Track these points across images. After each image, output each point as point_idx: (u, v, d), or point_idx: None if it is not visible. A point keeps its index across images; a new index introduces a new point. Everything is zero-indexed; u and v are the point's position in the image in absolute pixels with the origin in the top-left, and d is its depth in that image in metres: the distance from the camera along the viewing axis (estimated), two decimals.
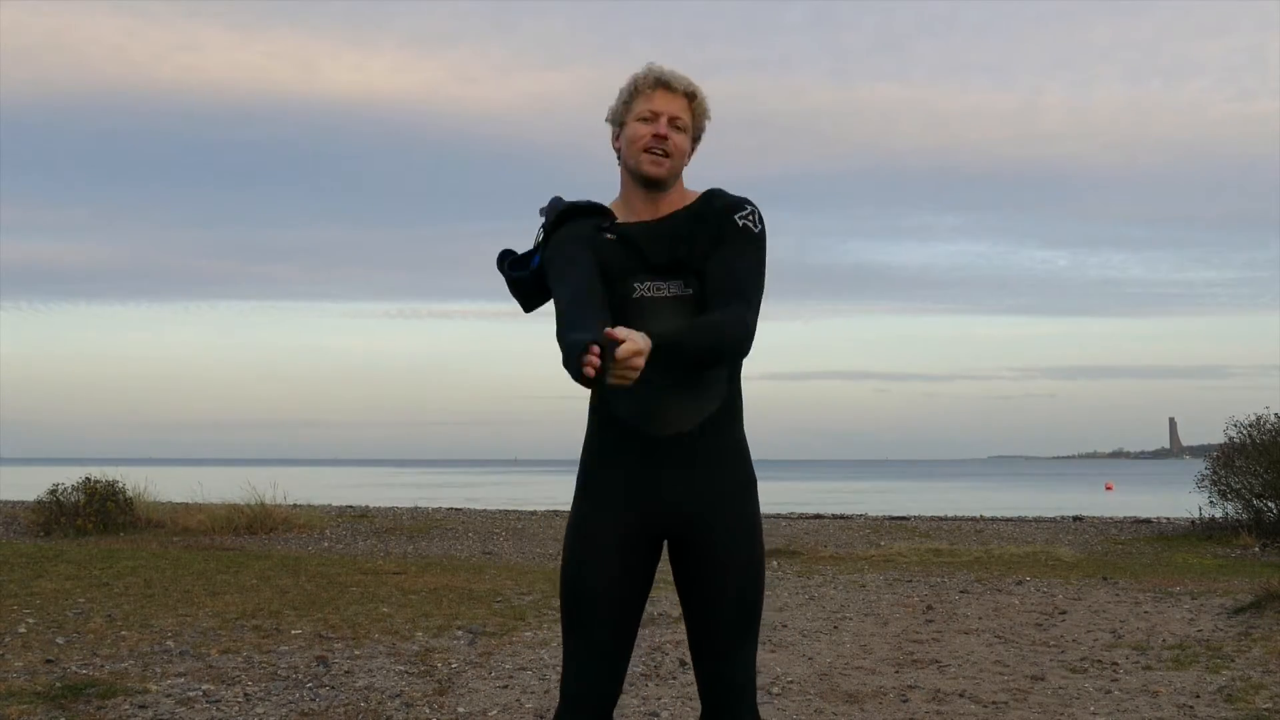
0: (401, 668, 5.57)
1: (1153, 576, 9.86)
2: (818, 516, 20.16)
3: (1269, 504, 13.84)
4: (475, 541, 14.11)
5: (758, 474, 2.51)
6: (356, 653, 5.93)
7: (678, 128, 2.43)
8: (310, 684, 5.19)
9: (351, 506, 20.98)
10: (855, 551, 12.83)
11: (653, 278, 2.41)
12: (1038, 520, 19.09)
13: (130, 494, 15.61)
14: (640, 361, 2.08)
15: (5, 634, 6.15)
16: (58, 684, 4.96)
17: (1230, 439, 14.68)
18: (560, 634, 2.46)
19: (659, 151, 2.41)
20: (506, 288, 2.56)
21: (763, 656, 6.02)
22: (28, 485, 22.11)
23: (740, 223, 2.41)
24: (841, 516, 20.15)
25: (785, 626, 7.07)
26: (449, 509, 21.26)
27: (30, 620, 6.63)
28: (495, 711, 4.77)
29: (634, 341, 2.05)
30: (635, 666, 5.68)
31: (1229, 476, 14.30)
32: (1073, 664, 5.87)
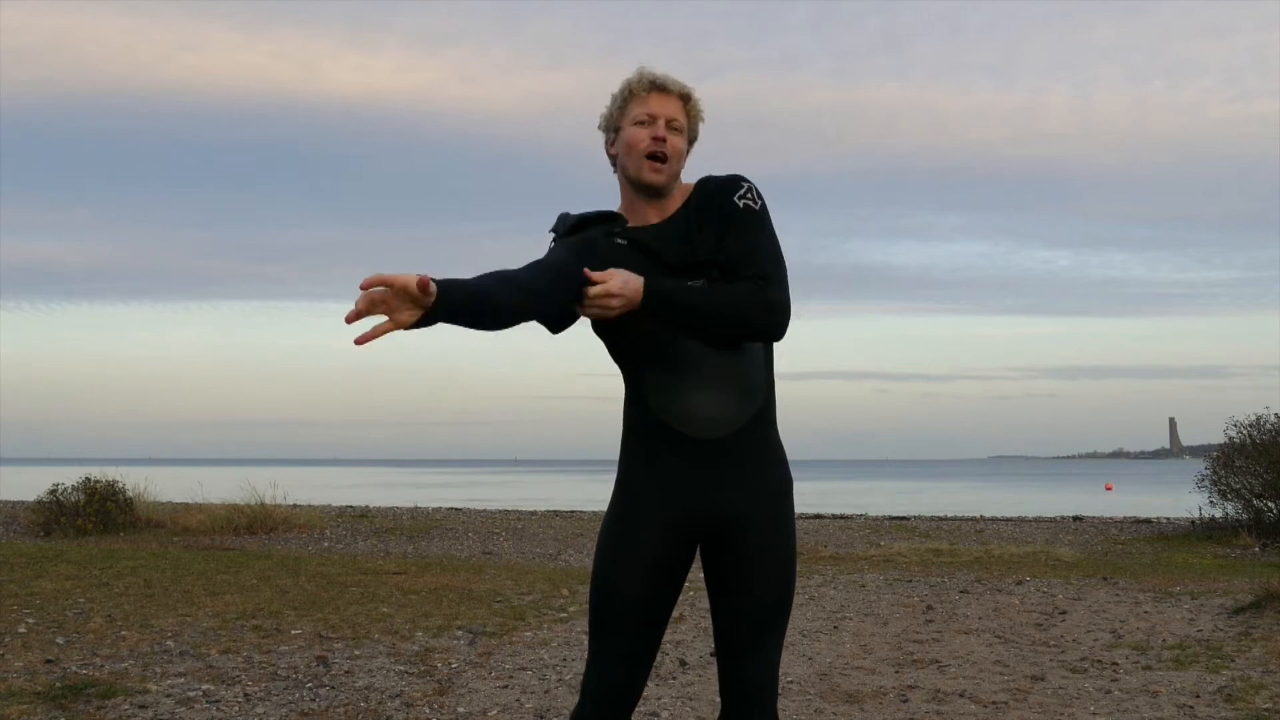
0: (401, 668, 5.57)
1: (1153, 576, 9.86)
2: (818, 516, 20.16)
3: (1269, 504, 13.84)
4: (475, 541, 14.11)
5: None
6: (356, 653, 5.93)
7: (675, 129, 2.41)
8: (310, 684, 5.19)
9: (351, 506, 20.98)
10: (855, 551, 12.83)
11: (671, 279, 2.37)
12: (1038, 520, 19.09)
13: (130, 494, 15.61)
14: (613, 303, 2.23)
15: (5, 634, 6.15)
16: (58, 684, 4.96)
17: (1230, 439, 14.68)
18: (588, 631, 2.45)
19: (659, 157, 2.38)
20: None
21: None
22: (28, 485, 22.12)
23: (740, 204, 2.38)
24: (841, 516, 20.15)
25: None
26: (449, 509, 21.25)
27: (30, 620, 6.63)
28: (495, 711, 4.77)
29: (608, 285, 2.22)
30: None
31: (1229, 476, 14.30)
32: (1073, 664, 5.87)
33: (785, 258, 2.44)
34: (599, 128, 2.51)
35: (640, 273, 2.32)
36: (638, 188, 2.42)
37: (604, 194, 2.59)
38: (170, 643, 6.05)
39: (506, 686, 5.23)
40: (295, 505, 16.99)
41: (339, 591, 8.27)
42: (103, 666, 5.43)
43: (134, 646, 5.94)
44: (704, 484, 2.36)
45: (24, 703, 4.62)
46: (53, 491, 15.03)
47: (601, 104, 2.53)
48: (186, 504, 17.01)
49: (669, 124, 2.40)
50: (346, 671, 5.46)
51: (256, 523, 14.86)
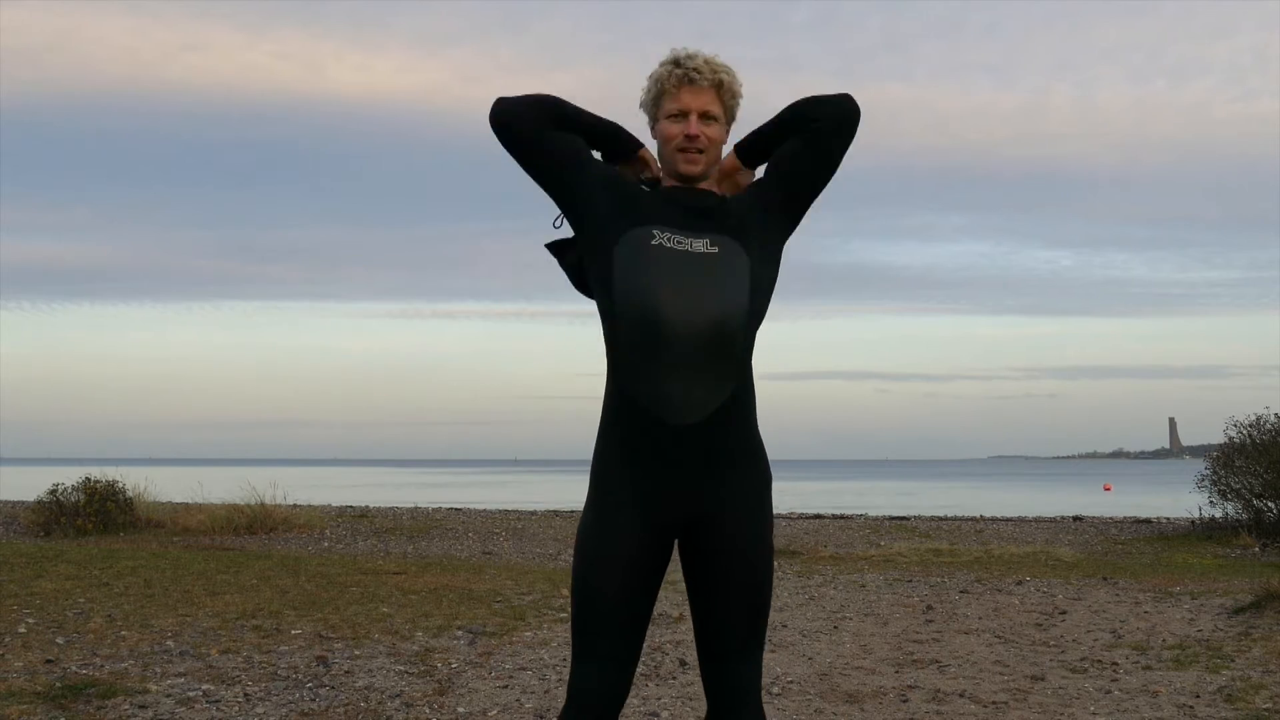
0: (401, 668, 5.57)
1: (1153, 576, 9.85)
2: (818, 516, 20.16)
3: (1269, 504, 13.84)
4: (475, 541, 14.11)
5: None
6: (356, 653, 5.93)
7: (710, 119, 2.41)
8: (310, 684, 5.19)
9: (351, 506, 20.97)
10: (855, 551, 12.83)
11: (675, 229, 2.38)
12: (1038, 520, 19.09)
13: (130, 494, 15.60)
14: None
15: (5, 634, 6.15)
16: (58, 684, 4.96)
17: (1230, 439, 14.69)
18: (570, 632, 2.44)
19: (693, 150, 2.40)
20: (565, 274, 2.58)
21: (763, 656, 6.02)
22: (28, 485, 22.10)
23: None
24: (841, 516, 20.15)
25: (785, 626, 7.07)
26: (449, 509, 21.25)
27: (30, 620, 6.63)
28: (495, 711, 4.77)
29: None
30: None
31: (1229, 476, 14.31)
32: (1073, 664, 5.87)
33: (786, 257, 2.49)
34: (640, 108, 2.52)
35: (648, 214, 2.39)
36: (677, 178, 2.45)
37: None
38: (170, 643, 6.05)
39: (506, 686, 5.23)
40: (295, 505, 16.98)
41: (339, 591, 8.27)
42: (103, 666, 5.43)
43: (134, 646, 5.94)
44: (678, 481, 2.35)
45: (24, 703, 4.62)
46: (53, 491, 15.02)
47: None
48: (186, 504, 17.00)
49: (702, 117, 2.40)
50: (346, 671, 5.46)
51: (256, 523, 14.86)
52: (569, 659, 2.46)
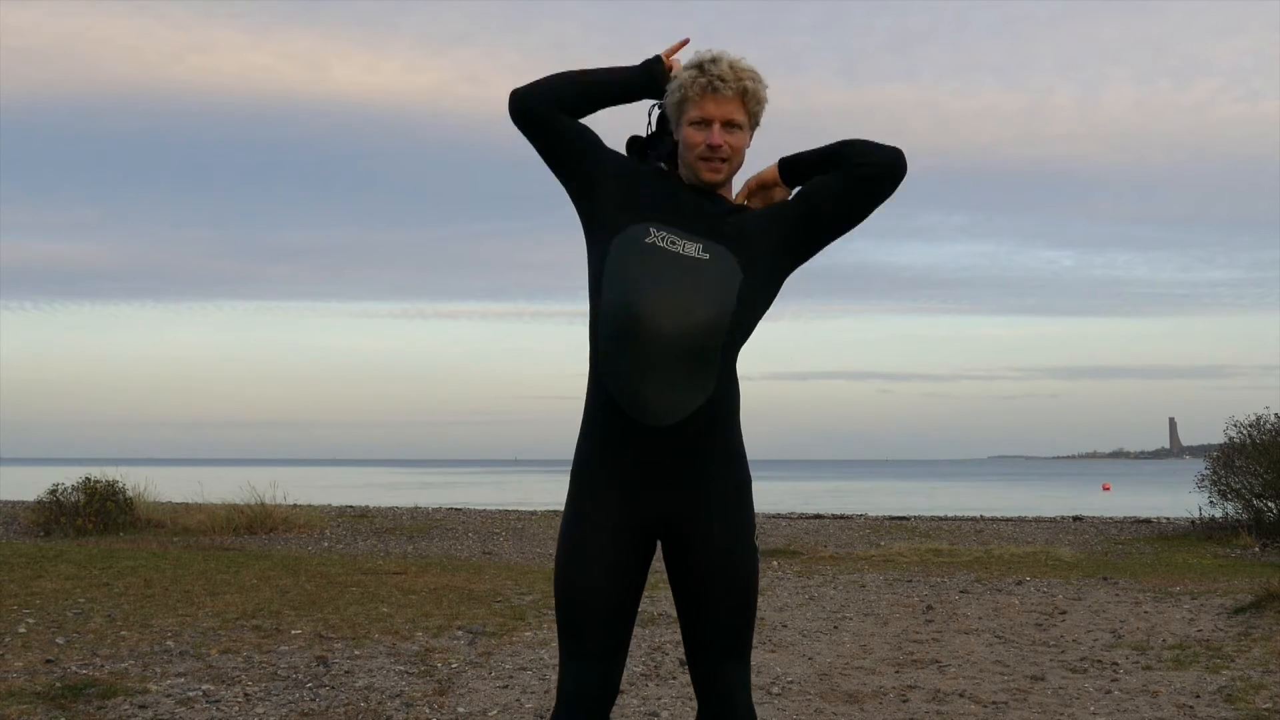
0: (401, 668, 5.57)
1: (1153, 576, 9.85)
2: (818, 516, 20.16)
3: (1269, 504, 13.85)
4: (475, 541, 14.11)
5: (759, 474, 2.50)
6: (356, 653, 5.93)
7: (734, 127, 2.37)
8: (310, 684, 5.18)
9: (351, 506, 20.98)
10: (855, 551, 12.83)
11: (673, 229, 2.35)
12: (1038, 520, 19.09)
13: (130, 494, 15.61)
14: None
15: (5, 634, 6.15)
16: (58, 684, 4.96)
17: (1230, 439, 14.70)
18: (557, 635, 2.44)
19: (716, 160, 2.37)
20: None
21: (763, 656, 6.02)
22: (28, 485, 22.11)
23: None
24: (841, 516, 20.15)
25: (785, 626, 7.07)
26: (449, 509, 21.26)
27: (30, 620, 6.63)
28: (495, 711, 4.77)
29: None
30: (635, 666, 5.68)
31: (1229, 476, 14.31)
32: (1073, 664, 5.87)
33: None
34: (665, 103, 2.49)
35: (649, 208, 2.38)
36: (698, 183, 2.43)
37: None
38: (170, 643, 6.05)
39: (506, 686, 5.23)
40: (295, 505, 16.97)
41: (339, 591, 8.27)
42: (103, 666, 5.43)
43: (134, 646, 5.94)
44: (656, 482, 2.35)
45: (24, 703, 4.62)
46: (53, 491, 15.03)
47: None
48: (186, 504, 17.01)
49: (725, 126, 2.36)
50: (346, 671, 5.46)
51: (256, 523, 14.86)
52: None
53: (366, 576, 9.24)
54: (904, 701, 5.01)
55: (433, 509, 21.01)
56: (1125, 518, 19.03)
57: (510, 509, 21.63)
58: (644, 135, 2.55)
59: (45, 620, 6.66)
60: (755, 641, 6.48)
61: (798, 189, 2.46)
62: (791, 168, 2.46)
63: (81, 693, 4.81)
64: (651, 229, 2.34)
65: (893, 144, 2.39)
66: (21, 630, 6.29)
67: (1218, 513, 14.54)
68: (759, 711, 4.80)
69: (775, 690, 5.22)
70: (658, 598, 7.53)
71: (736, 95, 2.36)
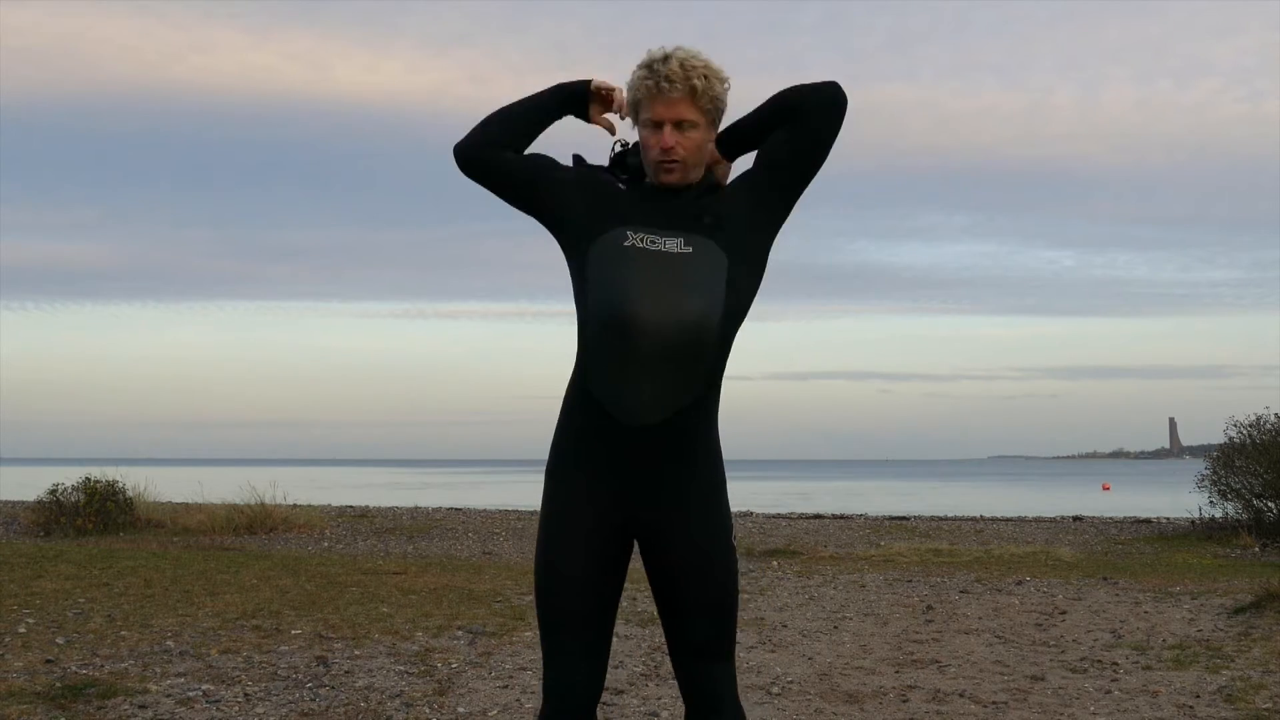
0: (401, 668, 5.57)
1: (1153, 576, 9.85)
2: (818, 516, 20.17)
3: (1269, 504, 13.85)
4: (475, 541, 14.11)
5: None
6: (356, 653, 5.93)
7: (687, 125, 2.34)
8: (310, 684, 5.19)
9: (351, 506, 20.98)
10: (855, 551, 12.83)
11: (649, 229, 2.34)
12: (1038, 520, 19.10)
13: (130, 494, 15.62)
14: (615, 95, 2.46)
15: (5, 634, 6.15)
16: (58, 684, 4.96)
17: (1230, 439, 14.70)
18: (539, 634, 2.44)
19: (669, 161, 2.35)
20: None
21: (763, 656, 6.03)
22: (28, 485, 22.12)
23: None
24: (841, 516, 20.16)
25: (785, 626, 7.07)
26: (449, 509, 21.27)
27: (30, 620, 6.63)
28: (495, 711, 4.77)
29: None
30: (635, 666, 5.69)
31: (1229, 476, 14.32)
32: (1073, 664, 5.87)
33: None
34: (624, 98, 2.48)
35: (623, 213, 2.36)
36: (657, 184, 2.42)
37: None
38: (170, 643, 6.05)
39: (506, 686, 5.23)
40: (295, 505, 16.98)
41: (339, 591, 8.27)
42: (103, 666, 5.43)
43: (134, 646, 5.94)
44: (631, 480, 2.34)
45: (24, 703, 4.62)
46: (53, 491, 15.04)
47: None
48: (186, 504, 17.01)
49: (677, 126, 2.33)
50: (346, 671, 5.46)
51: (256, 523, 14.87)
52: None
53: (366, 576, 9.24)
54: (904, 701, 5.01)
55: (433, 509, 21.01)
56: (1125, 518, 19.03)
57: (510, 509, 21.63)
58: (607, 165, 2.54)
59: (45, 620, 6.66)
60: (755, 641, 6.48)
61: (754, 153, 2.45)
62: (728, 142, 2.45)
63: (81, 693, 4.81)
64: (629, 232, 2.33)
65: (823, 80, 2.39)
66: (21, 630, 6.29)
67: (1218, 513, 14.55)
68: (759, 712, 4.81)
69: (775, 690, 5.22)
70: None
71: (685, 95, 2.31)
